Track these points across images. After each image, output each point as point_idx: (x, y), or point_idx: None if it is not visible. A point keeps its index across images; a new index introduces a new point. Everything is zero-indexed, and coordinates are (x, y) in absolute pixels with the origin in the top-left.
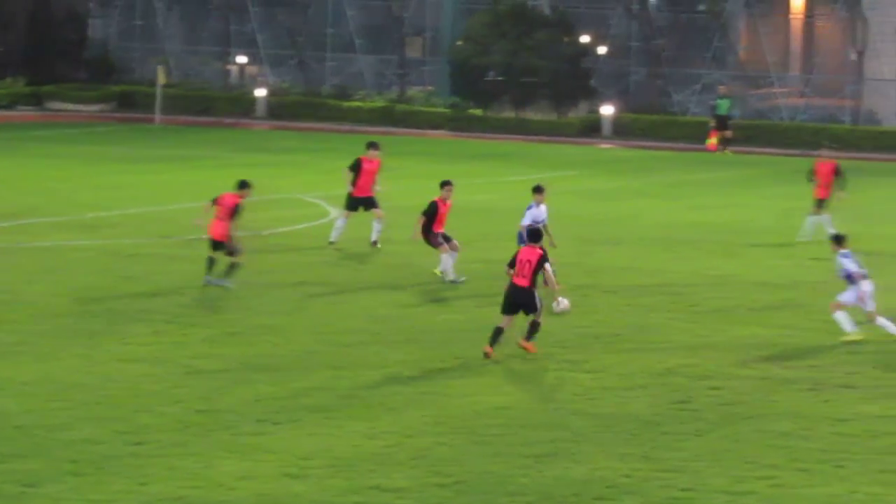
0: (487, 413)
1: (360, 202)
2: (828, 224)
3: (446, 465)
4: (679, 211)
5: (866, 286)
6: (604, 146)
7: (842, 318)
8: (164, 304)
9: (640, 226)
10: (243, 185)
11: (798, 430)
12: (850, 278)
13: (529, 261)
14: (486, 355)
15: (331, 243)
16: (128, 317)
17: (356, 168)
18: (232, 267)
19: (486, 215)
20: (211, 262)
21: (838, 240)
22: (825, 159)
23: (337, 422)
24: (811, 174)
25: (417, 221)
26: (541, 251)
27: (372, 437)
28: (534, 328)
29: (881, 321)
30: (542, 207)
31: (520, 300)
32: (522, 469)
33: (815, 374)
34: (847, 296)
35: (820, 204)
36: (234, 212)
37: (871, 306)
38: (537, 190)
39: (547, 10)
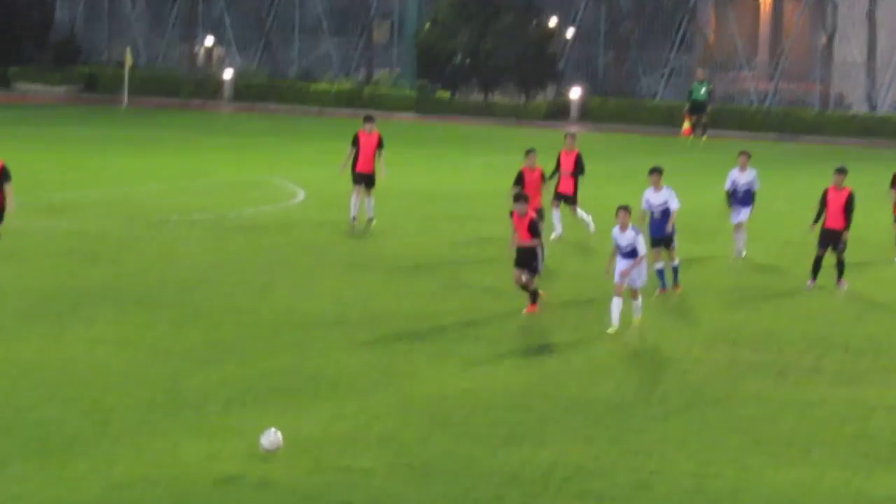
0: (453, 396)
1: (363, 177)
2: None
3: (413, 448)
4: None
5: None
6: (570, 129)
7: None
8: (129, 286)
9: (607, 209)
10: None
11: (765, 415)
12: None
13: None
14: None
15: (353, 219)
16: (94, 298)
17: (355, 143)
18: None
19: (452, 198)
20: None
21: (626, 210)
22: (568, 150)
23: (303, 403)
24: (557, 166)
25: (511, 193)
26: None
27: (338, 419)
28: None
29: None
30: (749, 171)
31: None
32: (489, 452)
33: (783, 358)
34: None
35: (561, 197)
36: (5, 176)
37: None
38: (741, 153)
39: None
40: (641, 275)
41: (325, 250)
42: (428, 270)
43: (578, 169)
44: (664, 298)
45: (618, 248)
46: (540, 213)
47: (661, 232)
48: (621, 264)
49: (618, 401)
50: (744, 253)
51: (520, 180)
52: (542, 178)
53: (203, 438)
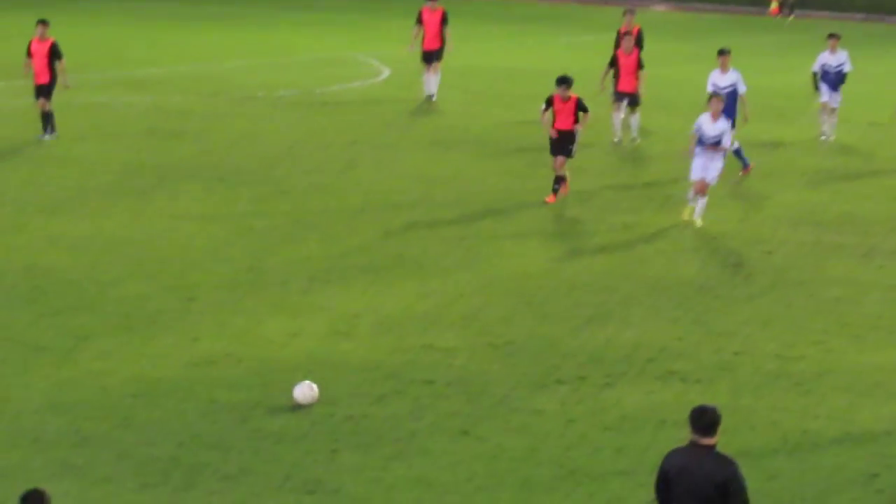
0: (537, 275)
1: (431, 55)
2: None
3: (496, 326)
4: None
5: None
6: (657, 9)
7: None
8: (213, 163)
9: (693, 90)
10: (43, 22)
11: (849, 297)
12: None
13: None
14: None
15: (428, 97)
16: (178, 174)
17: (419, 21)
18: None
19: (536, 77)
20: (46, 118)
21: (720, 98)
22: (627, 27)
23: (386, 281)
24: (617, 45)
25: (602, 74)
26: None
27: (422, 297)
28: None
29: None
30: (840, 53)
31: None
32: (573, 331)
33: (868, 239)
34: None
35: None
36: (53, 53)
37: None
38: (831, 36)
39: None
40: (718, 167)
41: (409, 128)
42: (512, 150)
43: (638, 46)
44: (743, 180)
45: (700, 138)
46: (635, 97)
47: (727, 114)
48: (701, 157)
49: (702, 282)
50: (833, 137)
51: (615, 62)
52: (639, 62)
53: (286, 315)
